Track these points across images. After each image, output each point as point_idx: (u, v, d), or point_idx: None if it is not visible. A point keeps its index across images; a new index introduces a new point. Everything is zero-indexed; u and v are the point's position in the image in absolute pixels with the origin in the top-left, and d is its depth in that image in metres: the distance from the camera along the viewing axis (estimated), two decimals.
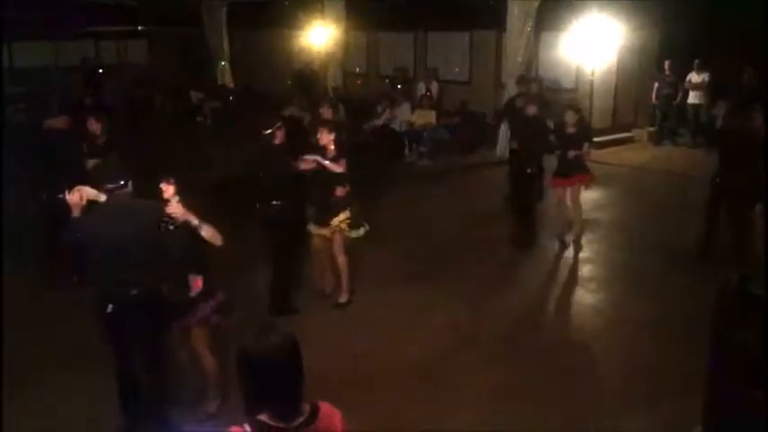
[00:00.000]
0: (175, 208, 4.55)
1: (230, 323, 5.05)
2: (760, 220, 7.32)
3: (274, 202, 6.54)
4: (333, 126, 6.84)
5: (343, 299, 6.98)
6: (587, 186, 8.64)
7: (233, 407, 4.92)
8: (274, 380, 2.29)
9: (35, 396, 5.27)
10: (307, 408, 2.37)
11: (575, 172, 8.25)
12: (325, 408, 2.42)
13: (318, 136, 6.66)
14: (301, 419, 2.33)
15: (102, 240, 4.48)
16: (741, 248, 7.29)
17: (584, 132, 8.47)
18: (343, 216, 6.70)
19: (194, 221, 4.56)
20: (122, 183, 4.59)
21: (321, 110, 8.42)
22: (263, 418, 2.30)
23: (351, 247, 8.60)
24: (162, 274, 4.66)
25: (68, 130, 7.48)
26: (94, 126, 7.51)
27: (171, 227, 4.61)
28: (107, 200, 4.53)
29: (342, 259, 6.86)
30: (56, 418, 5.04)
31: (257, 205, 6.68)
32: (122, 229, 4.43)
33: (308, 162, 6.56)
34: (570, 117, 8.22)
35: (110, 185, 4.56)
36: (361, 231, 6.89)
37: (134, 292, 4.50)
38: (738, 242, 7.38)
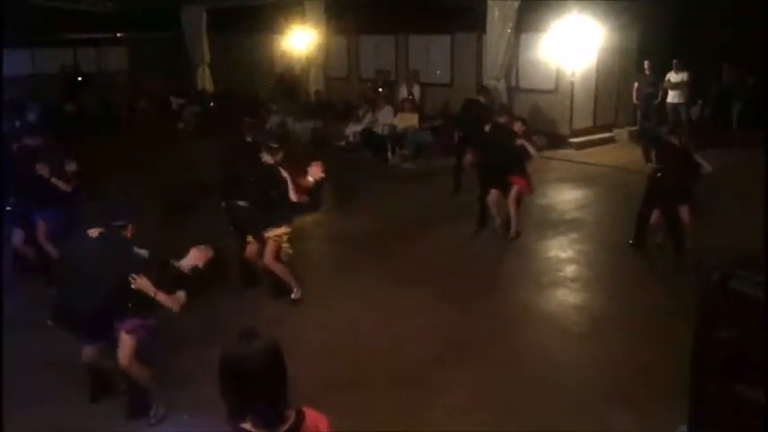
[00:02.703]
0: (142, 284, 4.74)
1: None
2: (687, 219, 7.81)
3: (240, 203, 7.11)
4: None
5: (295, 295, 7.08)
6: (522, 191, 8.80)
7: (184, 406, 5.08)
8: (257, 386, 2.26)
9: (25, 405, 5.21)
10: (291, 414, 2.33)
11: (514, 176, 8.66)
12: (311, 414, 2.39)
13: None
14: (286, 427, 2.30)
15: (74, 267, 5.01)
16: (677, 245, 7.88)
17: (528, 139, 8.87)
18: (284, 230, 6.92)
19: (151, 292, 4.74)
20: (123, 222, 5.11)
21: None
22: (246, 425, 2.27)
23: (334, 250, 8.62)
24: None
25: (42, 149, 7.49)
26: (42, 170, 7.31)
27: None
28: (96, 235, 4.97)
29: (276, 267, 6.97)
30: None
31: (222, 204, 7.40)
32: (94, 261, 4.85)
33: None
34: (519, 127, 8.74)
35: (119, 221, 5.10)
36: (289, 249, 7.11)
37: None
38: (673, 237, 7.97)
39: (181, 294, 4.88)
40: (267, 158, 6.97)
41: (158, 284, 4.79)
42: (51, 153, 7.54)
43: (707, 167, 7.80)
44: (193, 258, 5.07)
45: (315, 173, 6.94)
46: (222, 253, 5.38)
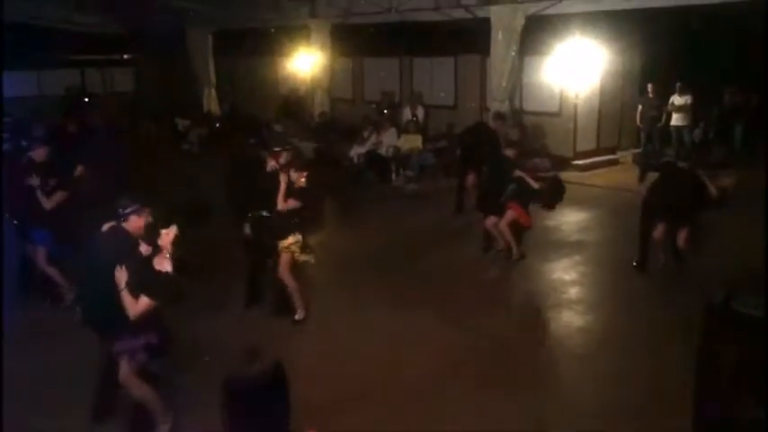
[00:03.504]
0: (119, 275, 4.62)
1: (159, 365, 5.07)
2: (683, 244, 7.88)
3: (264, 213, 6.94)
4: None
5: (299, 315, 7.06)
6: (517, 219, 8.72)
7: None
8: (260, 409, 2.25)
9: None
10: None
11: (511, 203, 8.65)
12: None
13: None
14: None
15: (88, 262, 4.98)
16: (678, 263, 8.03)
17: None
18: (292, 239, 6.86)
19: (120, 287, 4.59)
20: (130, 210, 4.92)
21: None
22: None
23: (336, 269, 8.61)
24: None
25: (46, 160, 7.42)
26: (33, 181, 7.17)
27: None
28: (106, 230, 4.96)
29: (289, 280, 6.96)
30: None
31: (249, 215, 7.07)
32: (98, 257, 4.83)
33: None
34: (535, 173, 8.80)
35: (123, 210, 4.92)
36: (311, 258, 7.07)
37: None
38: (675, 257, 8.06)
39: (143, 300, 4.58)
40: (272, 164, 6.99)
41: (142, 286, 4.58)
42: (53, 167, 7.53)
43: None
44: (164, 246, 4.68)
45: (297, 177, 6.94)
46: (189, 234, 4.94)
